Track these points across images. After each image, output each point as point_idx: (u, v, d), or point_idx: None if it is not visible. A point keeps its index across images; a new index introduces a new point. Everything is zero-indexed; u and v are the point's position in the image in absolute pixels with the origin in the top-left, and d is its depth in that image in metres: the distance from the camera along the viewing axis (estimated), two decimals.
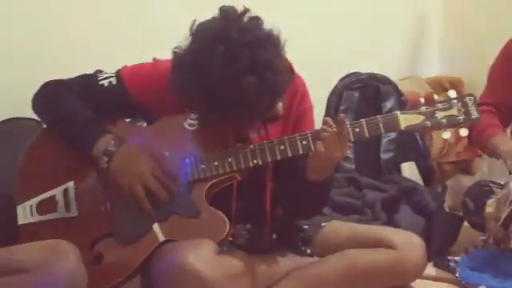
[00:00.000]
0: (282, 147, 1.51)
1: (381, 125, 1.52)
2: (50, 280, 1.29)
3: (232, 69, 1.40)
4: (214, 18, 1.47)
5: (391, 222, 2.08)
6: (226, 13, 1.46)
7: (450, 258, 1.92)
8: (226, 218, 1.51)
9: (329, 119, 1.51)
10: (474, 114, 1.53)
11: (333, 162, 1.52)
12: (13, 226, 1.57)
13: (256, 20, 1.46)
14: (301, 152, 1.51)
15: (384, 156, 2.43)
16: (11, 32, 2.00)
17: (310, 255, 1.67)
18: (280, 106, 1.55)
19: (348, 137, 1.51)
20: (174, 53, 1.48)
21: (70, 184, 1.58)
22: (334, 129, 1.48)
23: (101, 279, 1.50)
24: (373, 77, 2.51)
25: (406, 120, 1.52)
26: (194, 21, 1.47)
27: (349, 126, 1.52)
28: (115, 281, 1.53)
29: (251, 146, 1.53)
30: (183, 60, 1.46)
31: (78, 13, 2.10)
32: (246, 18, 1.46)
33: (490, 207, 1.75)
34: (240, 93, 1.41)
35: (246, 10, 1.47)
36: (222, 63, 1.40)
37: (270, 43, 1.45)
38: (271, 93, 1.46)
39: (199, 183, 1.54)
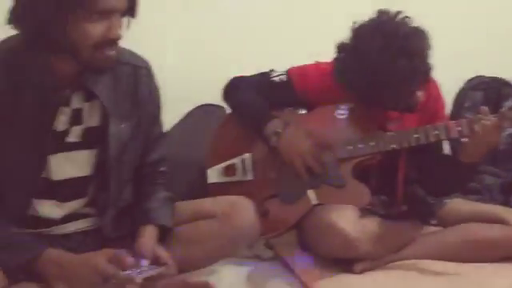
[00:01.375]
0: (416, 135, 1.67)
1: None
2: (233, 226, 1.47)
3: (388, 53, 1.56)
4: (371, 18, 1.65)
5: (507, 204, 2.13)
6: (382, 13, 1.64)
7: None
8: (368, 189, 1.69)
9: (486, 108, 1.62)
10: None
11: (486, 146, 1.62)
12: (204, 184, 1.83)
13: (408, 18, 1.63)
14: (432, 140, 1.67)
15: (501, 147, 2.42)
16: (215, 40, 2.26)
17: (435, 226, 1.83)
18: (421, 94, 1.69)
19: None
20: (337, 46, 1.67)
21: (247, 155, 1.83)
22: (491, 117, 1.59)
23: (267, 229, 1.70)
24: (495, 80, 2.57)
25: None
26: (355, 22, 1.66)
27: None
28: (277, 232, 1.76)
29: (391, 133, 1.71)
30: (345, 49, 1.65)
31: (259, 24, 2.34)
32: (398, 17, 1.63)
33: None
34: (393, 74, 1.56)
35: (399, 12, 1.64)
36: (380, 48, 1.56)
37: (421, 35, 1.61)
38: (418, 77, 1.60)
39: (346, 161, 1.73)
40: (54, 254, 1.28)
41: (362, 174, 1.75)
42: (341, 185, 1.73)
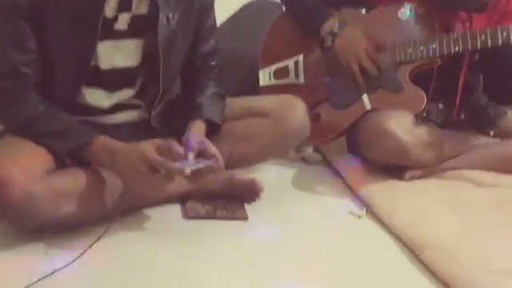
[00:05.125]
0: (483, 37, 1.50)
1: None
2: (285, 124, 1.39)
3: None
4: None
5: None
6: None
7: None
8: (425, 95, 1.54)
9: None
10: None
11: None
12: (255, 81, 1.71)
13: None
14: (500, 43, 1.48)
15: None
16: None
17: (493, 137, 1.65)
18: None
19: None
20: None
21: (300, 57, 1.70)
22: None
23: (317, 133, 1.59)
24: None
25: None
26: None
27: None
28: (327, 136, 1.65)
29: (455, 35, 1.54)
30: None
31: None
32: None
33: None
34: None
35: None
36: None
37: None
38: None
39: (405, 64, 1.58)
40: (104, 140, 1.21)
41: (421, 79, 1.57)
42: (397, 89, 1.57)
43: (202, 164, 1.20)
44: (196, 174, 1.19)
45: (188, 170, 1.15)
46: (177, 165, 1.16)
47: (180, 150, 1.18)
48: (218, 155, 1.24)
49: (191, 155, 1.21)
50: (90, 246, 1.10)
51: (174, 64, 1.35)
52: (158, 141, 1.19)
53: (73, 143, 1.19)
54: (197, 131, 1.29)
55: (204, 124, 1.32)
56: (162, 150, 1.17)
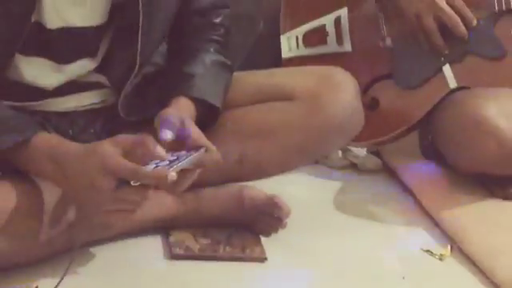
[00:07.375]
0: None
1: None
2: (324, 112, 1.31)
3: None
4: None
5: None
6: None
7: None
8: None
9: None
10: None
11: None
12: (276, 57, 1.65)
13: None
14: None
15: None
16: None
17: None
18: None
19: None
20: None
21: (343, 11, 1.64)
22: None
23: (375, 128, 1.53)
24: None
25: None
26: None
27: None
28: (391, 133, 1.57)
29: None
30: None
31: None
32: None
33: None
34: None
35: None
36: None
37: None
38: None
39: (507, 16, 1.51)
40: (48, 140, 1.14)
41: None
42: (497, 55, 1.51)
43: (188, 158, 1.11)
44: (181, 179, 1.10)
45: (172, 174, 1.06)
46: (152, 167, 1.07)
47: (159, 150, 1.09)
48: (209, 143, 1.16)
49: (169, 134, 1.14)
50: None
51: (159, 22, 1.30)
52: (121, 140, 1.11)
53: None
54: (175, 108, 1.23)
55: (193, 105, 1.26)
56: (132, 150, 1.10)
